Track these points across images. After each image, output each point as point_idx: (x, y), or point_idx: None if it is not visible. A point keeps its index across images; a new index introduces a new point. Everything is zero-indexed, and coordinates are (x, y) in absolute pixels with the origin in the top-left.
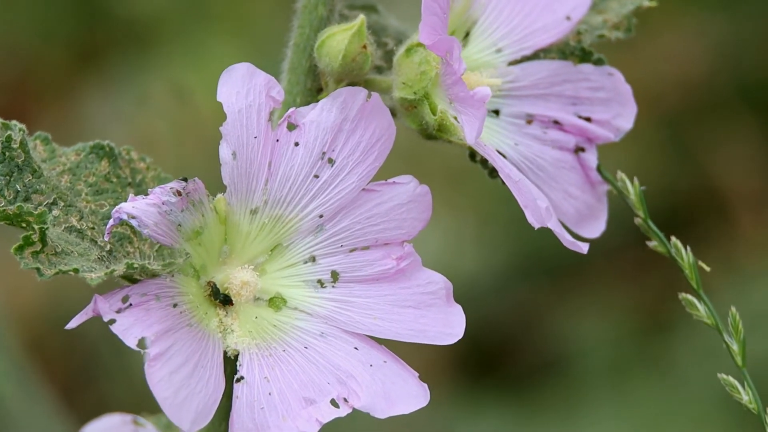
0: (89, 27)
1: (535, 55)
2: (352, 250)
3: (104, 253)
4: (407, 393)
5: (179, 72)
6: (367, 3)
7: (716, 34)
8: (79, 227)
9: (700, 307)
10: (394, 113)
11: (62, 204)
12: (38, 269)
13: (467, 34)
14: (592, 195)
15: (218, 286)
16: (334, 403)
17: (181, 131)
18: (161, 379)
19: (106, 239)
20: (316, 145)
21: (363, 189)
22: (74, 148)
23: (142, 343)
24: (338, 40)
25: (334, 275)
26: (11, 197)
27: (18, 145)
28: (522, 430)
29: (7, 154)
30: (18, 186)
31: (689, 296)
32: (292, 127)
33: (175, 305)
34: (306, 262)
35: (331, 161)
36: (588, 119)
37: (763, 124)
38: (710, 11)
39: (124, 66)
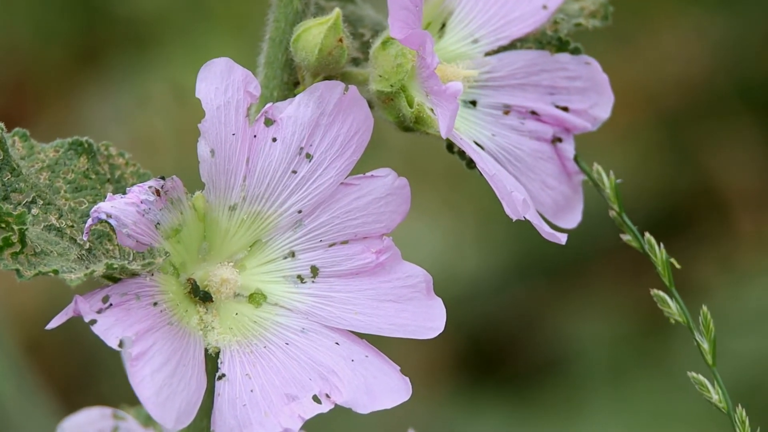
0: (89, 27)
1: (512, 45)
2: (331, 245)
3: (84, 252)
4: (389, 387)
5: (179, 72)
6: None
7: (716, 34)
8: (58, 225)
9: (672, 304)
10: (371, 105)
11: (41, 202)
12: (18, 271)
13: (443, 25)
14: (569, 185)
15: (198, 283)
16: (316, 398)
17: (181, 131)
18: (143, 378)
19: (85, 238)
20: (294, 140)
21: (341, 183)
22: (52, 145)
23: (122, 343)
24: (314, 34)
25: (314, 270)
26: None
27: None
28: (522, 430)
29: None
30: None
31: (661, 293)
32: (269, 122)
33: (155, 304)
34: (285, 258)
35: (308, 156)
36: (565, 109)
37: (762, 124)
38: (710, 11)
39: (123, 66)
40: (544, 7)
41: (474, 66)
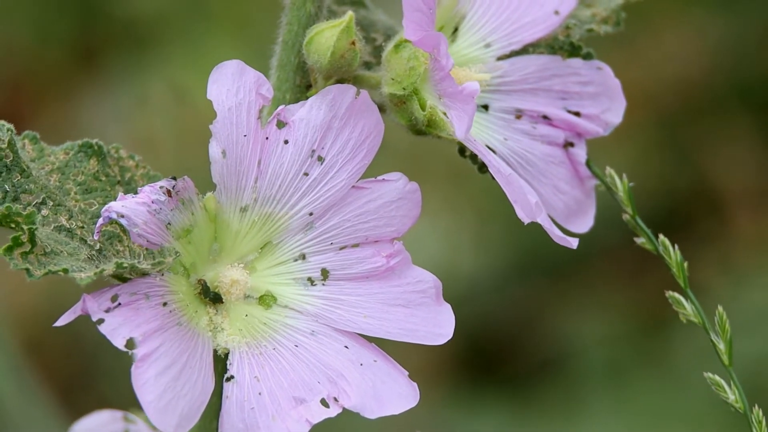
0: (88, 27)
1: (524, 50)
2: (342, 248)
3: (94, 252)
4: (397, 393)
5: (178, 72)
6: None
7: (715, 34)
8: (68, 226)
9: (687, 305)
10: (383, 109)
11: (51, 203)
12: (28, 270)
13: (456, 30)
14: (581, 190)
15: (208, 284)
16: (324, 402)
17: (181, 131)
18: (146, 381)
19: (96, 238)
20: (306, 142)
21: (353, 186)
22: (63, 147)
23: (130, 343)
24: (327, 37)
25: (324, 273)
26: (0, 198)
27: (6, 145)
28: (521, 430)
29: None
30: (7, 186)
31: (676, 294)
32: (281, 124)
33: (164, 304)
34: (296, 260)
35: (320, 159)
36: (577, 114)
37: (761, 124)
38: (709, 12)
39: (122, 66)
40: (556, 12)
41: (486, 70)
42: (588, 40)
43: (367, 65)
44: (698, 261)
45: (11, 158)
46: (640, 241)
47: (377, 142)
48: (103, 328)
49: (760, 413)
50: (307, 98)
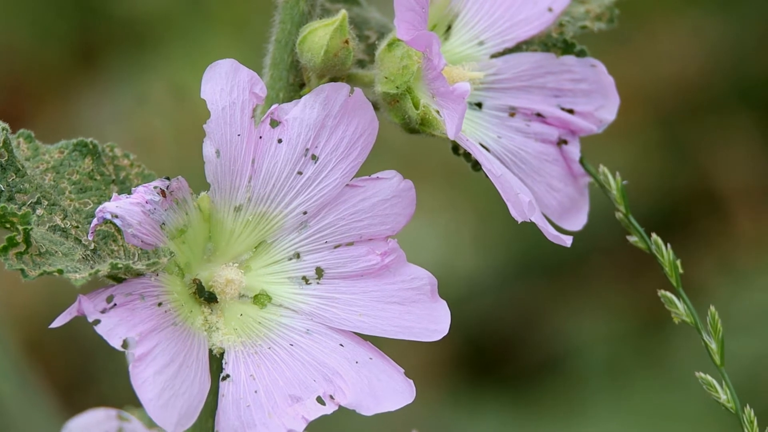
0: (88, 27)
1: (518, 48)
2: (336, 247)
3: (89, 252)
4: (393, 390)
5: (178, 72)
6: None
7: (713, 34)
8: (63, 226)
9: (680, 305)
10: (376, 107)
11: (46, 203)
12: (22, 270)
13: (449, 28)
14: (575, 188)
15: (203, 284)
16: (320, 400)
17: (180, 131)
18: (145, 380)
19: (90, 238)
20: (300, 141)
21: (347, 185)
22: (57, 146)
23: (126, 343)
24: (320, 36)
25: (319, 272)
26: None
27: (1, 145)
28: (521, 429)
29: None
30: (2, 186)
31: (669, 294)
32: (275, 123)
33: (159, 304)
34: (290, 259)
35: (314, 158)
36: (571, 111)
37: (760, 123)
38: (707, 12)
39: (122, 66)
40: (550, 9)
41: (479, 68)
42: (587, 40)
43: (361, 63)
44: (697, 261)
45: (6, 158)
46: (632, 239)
47: (371, 140)
48: (99, 329)
49: (752, 413)
50: (300, 97)
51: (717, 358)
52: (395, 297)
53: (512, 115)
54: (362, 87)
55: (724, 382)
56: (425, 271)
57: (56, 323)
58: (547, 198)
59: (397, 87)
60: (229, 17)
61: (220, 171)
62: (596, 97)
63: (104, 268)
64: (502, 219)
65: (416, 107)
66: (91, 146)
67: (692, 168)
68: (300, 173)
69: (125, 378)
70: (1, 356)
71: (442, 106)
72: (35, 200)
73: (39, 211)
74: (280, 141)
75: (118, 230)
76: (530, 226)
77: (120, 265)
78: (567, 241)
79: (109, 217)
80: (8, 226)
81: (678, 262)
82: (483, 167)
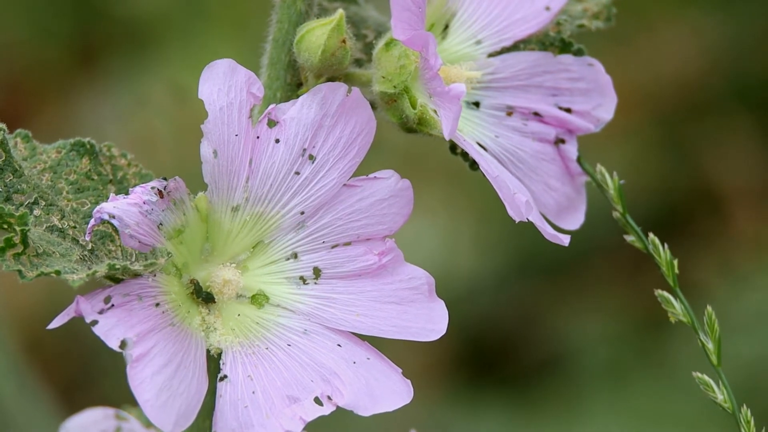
0: (88, 27)
1: (515, 47)
2: (333, 246)
3: (86, 253)
4: (391, 390)
5: (178, 72)
6: None
7: (712, 33)
8: (60, 226)
9: (677, 304)
10: (374, 107)
11: (43, 203)
12: (20, 271)
13: (446, 27)
14: (572, 187)
15: (200, 284)
16: (317, 401)
17: (179, 131)
18: (143, 380)
19: (88, 239)
20: (297, 141)
21: (344, 185)
22: (55, 146)
23: (124, 344)
24: (317, 35)
25: (316, 272)
26: None
27: None
28: (520, 429)
29: None
30: None
31: (666, 293)
32: (272, 123)
33: (157, 305)
34: (288, 259)
35: (311, 157)
36: (568, 110)
37: (759, 123)
38: (706, 12)
39: (122, 66)
40: (547, 8)
41: (477, 67)
42: (586, 39)
43: (358, 62)
44: (697, 261)
45: (3, 158)
46: (630, 239)
47: (369, 139)
48: (97, 330)
49: (749, 413)
50: (297, 96)
51: (714, 358)
52: (393, 297)
53: (510, 114)
54: (360, 86)
55: (721, 382)
56: (423, 271)
57: (54, 324)
58: (545, 197)
59: (395, 86)
60: (228, 17)
61: (218, 171)
62: (594, 96)
63: (102, 269)
64: (502, 219)
65: (414, 107)
66: (88, 146)
67: (691, 168)
68: (297, 173)
69: (125, 378)
70: (0, 357)
71: (439, 106)
72: (32, 201)
73: (36, 212)
74: (277, 141)
75: (116, 231)
76: (529, 226)
77: (117, 266)
78: (565, 240)
79: (106, 217)
80: (5, 226)
81: (675, 262)
82: (479, 167)
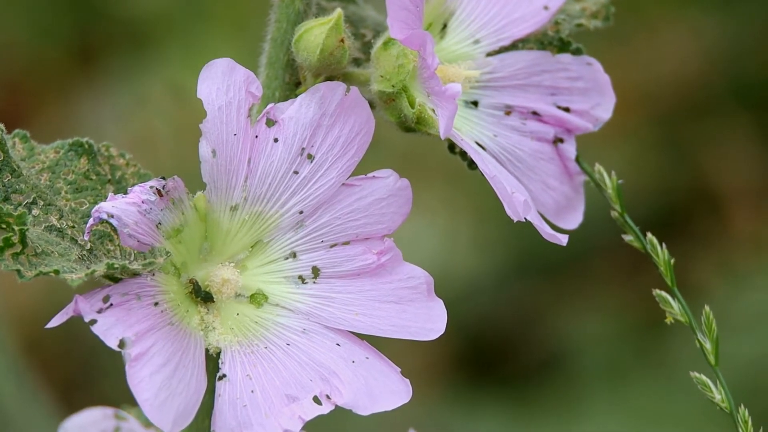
0: (87, 27)
1: (514, 46)
2: (332, 246)
3: (85, 252)
4: (390, 389)
5: (177, 72)
6: None
7: (712, 34)
8: (59, 226)
9: (675, 304)
10: (373, 106)
11: (42, 203)
12: (19, 271)
13: (445, 26)
14: (570, 186)
15: (199, 284)
16: (316, 400)
17: (179, 131)
18: (142, 379)
19: (86, 238)
20: (295, 141)
21: (343, 184)
22: (53, 146)
23: (123, 343)
24: (316, 35)
25: (315, 271)
26: None
27: None
28: (519, 429)
29: None
30: None
31: (664, 293)
32: (271, 123)
33: (156, 304)
34: (287, 258)
35: (310, 157)
36: (567, 109)
37: (758, 123)
38: (705, 12)
39: (122, 66)
40: (546, 7)
41: (475, 66)
42: (585, 39)
43: (357, 62)
44: (696, 260)
45: (2, 158)
46: (628, 238)
47: (367, 139)
48: (95, 329)
49: (746, 413)
50: (296, 96)
51: (711, 358)
52: (391, 296)
53: (508, 113)
54: (358, 85)
55: (718, 382)
56: (421, 270)
57: (53, 323)
58: (543, 196)
59: (393, 86)
60: (228, 17)
61: (217, 170)
62: (592, 96)
63: (100, 268)
64: (501, 218)
65: (412, 106)
66: (86, 146)
67: (690, 168)
68: (296, 173)
69: (125, 378)
70: (0, 356)
71: (437, 105)
72: (31, 200)
73: (35, 212)
74: (276, 140)
75: (114, 230)
76: (528, 226)
77: (116, 265)
78: (563, 239)
79: (105, 217)
80: (4, 226)
81: (672, 262)
82: (478, 167)
